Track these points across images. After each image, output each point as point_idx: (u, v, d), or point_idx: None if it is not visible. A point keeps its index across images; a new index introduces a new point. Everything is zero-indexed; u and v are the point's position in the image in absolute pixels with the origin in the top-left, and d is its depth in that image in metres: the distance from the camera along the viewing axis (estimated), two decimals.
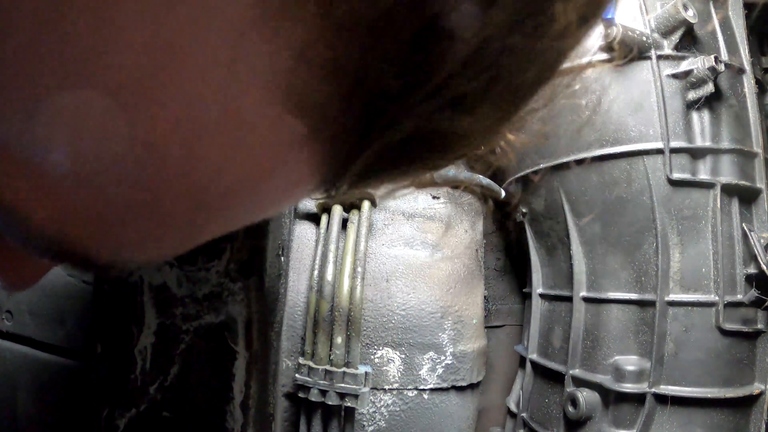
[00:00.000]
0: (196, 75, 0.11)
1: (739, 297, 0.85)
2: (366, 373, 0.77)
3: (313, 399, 0.77)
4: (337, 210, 0.87)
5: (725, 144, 0.88)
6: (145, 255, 0.17)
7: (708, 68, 0.82)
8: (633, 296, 0.90)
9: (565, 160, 0.96)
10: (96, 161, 0.13)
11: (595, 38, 0.90)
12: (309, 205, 0.91)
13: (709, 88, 0.84)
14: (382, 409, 0.85)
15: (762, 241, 0.84)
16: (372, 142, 0.14)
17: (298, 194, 0.18)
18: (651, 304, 0.87)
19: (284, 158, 0.15)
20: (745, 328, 0.84)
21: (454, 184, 1.02)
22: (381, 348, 0.85)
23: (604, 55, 0.89)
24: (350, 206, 0.88)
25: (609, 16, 0.87)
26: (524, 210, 1.13)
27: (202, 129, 0.13)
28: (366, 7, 0.11)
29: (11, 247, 0.17)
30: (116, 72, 0.11)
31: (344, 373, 0.76)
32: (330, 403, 0.76)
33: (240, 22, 0.11)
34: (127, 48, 0.11)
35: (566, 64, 0.16)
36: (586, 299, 0.97)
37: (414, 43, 0.12)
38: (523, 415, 1.08)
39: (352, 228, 0.85)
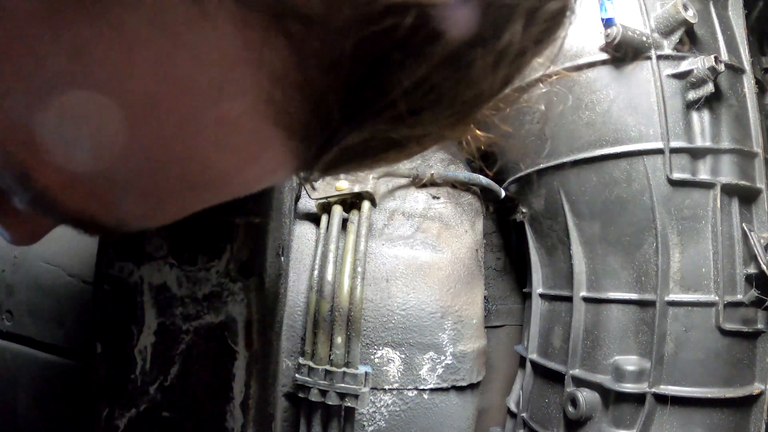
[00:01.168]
0: (195, 93, 0.15)
1: (739, 297, 0.85)
2: (366, 373, 0.77)
3: (313, 399, 0.77)
4: (337, 210, 0.87)
5: (725, 144, 0.88)
6: (144, 222, 0.21)
7: (708, 68, 0.82)
8: (633, 296, 0.90)
9: (565, 160, 0.96)
10: (113, 155, 0.16)
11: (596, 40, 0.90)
12: (309, 205, 0.91)
13: (709, 88, 0.84)
14: (382, 409, 0.85)
15: (762, 241, 0.84)
16: (334, 145, 0.18)
17: (275, 178, 0.22)
18: (651, 304, 0.87)
19: (262, 154, 0.18)
20: (745, 328, 0.84)
21: (454, 184, 1.02)
22: (381, 348, 0.85)
23: (605, 55, 0.89)
24: (350, 206, 0.88)
25: (609, 17, 0.87)
26: (524, 210, 1.13)
27: (197, 132, 0.16)
28: (330, 44, 0.14)
29: (20, 209, 0.20)
30: (135, 89, 0.14)
31: (344, 373, 0.76)
32: (330, 403, 0.76)
33: (229, 57, 0.14)
34: (143, 72, 0.14)
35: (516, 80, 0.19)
36: (586, 299, 0.97)
37: (366, 73, 0.15)
38: (523, 415, 1.08)
39: (352, 228, 0.85)
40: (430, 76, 0.15)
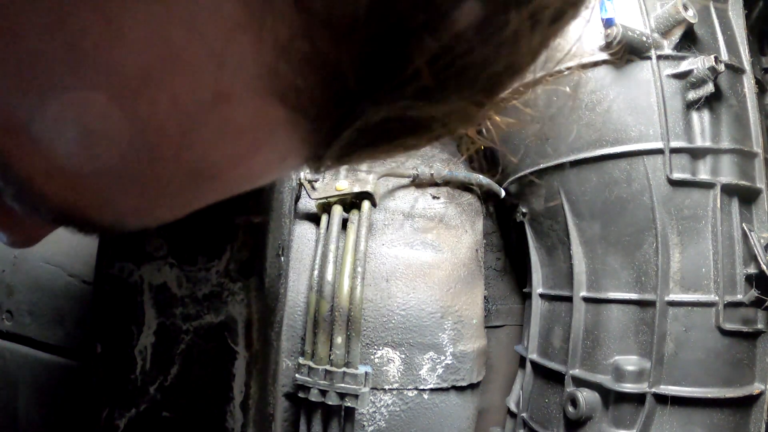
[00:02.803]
0: (190, 67, 0.13)
1: (739, 297, 0.85)
2: (366, 373, 0.77)
3: (313, 399, 0.77)
4: (337, 210, 0.87)
5: (725, 144, 0.88)
6: (142, 219, 0.19)
7: (708, 68, 0.82)
8: (633, 296, 0.91)
9: (565, 160, 0.96)
10: (101, 140, 0.14)
11: (593, 38, 0.90)
12: (309, 205, 0.91)
13: (709, 88, 0.84)
14: (382, 409, 0.85)
15: (762, 241, 0.84)
16: (349, 125, 0.16)
17: (283, 168, 0.19)
18: (651, 304, 0.87)
19: (269, 138, 0.16)
20: (745, 328, 0.84)
21: (454, 184, 1.02)
22: (381, 348, 0.85)
23: (604, 55, 0.89)
24: (350, 206, 0.88)
25: (609, 17, 0.87)
26: (524, 210, 1.13)
27: (195, 112, 0.14)
28: (341, 5, 0.12)
29: (15, 210, 0.19)
30: (123, 64, 0.13)
31: (344, 373, 0.76)
32: (330, 403, 0.76)
33: (228, 23, 0.12)
34: (132, 44, 0.12)
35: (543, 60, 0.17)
36: (586, 299, 0.97)
37: (384, 40, 0.13)
38: (523, 415, 1.08)
39: (352, 228, 0.85)
40: (457, 41, 0.13)
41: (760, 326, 0.86)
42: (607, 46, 0.88)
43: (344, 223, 0.87)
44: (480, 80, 0.15)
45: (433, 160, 1.04)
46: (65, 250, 0.75)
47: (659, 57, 0.88)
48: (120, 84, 0.13)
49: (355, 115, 0.15)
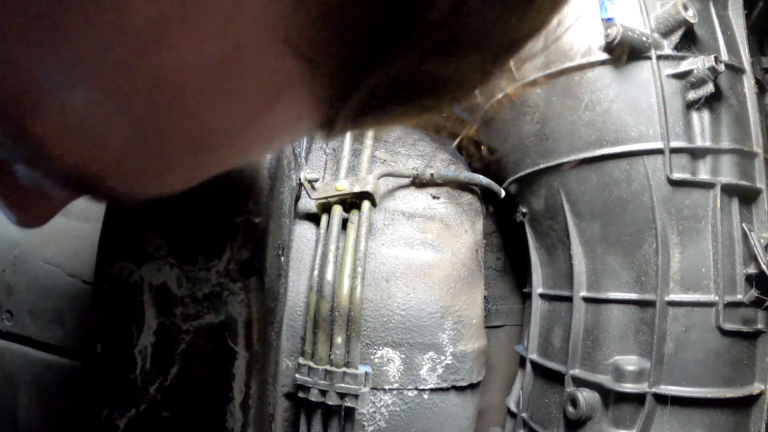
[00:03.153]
0: (206, 17, 0.13)
1: (739, 297, 0.85)
2: (366, 373, 0.77)
3: (313, 399, 0.77)
4: (337, 210, 0.87)
5: (725, 144, 0.88)
6: (155, 186, 0.19)
7: (708, 68, 0.82)
8: (633, 296, 0.91)
9: (565, 159, 0.96)
10: (114, 98, 0.14)
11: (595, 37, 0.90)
12: (309, 205, 0.91)
13: (709, 88, 0.84)
14: (382, 409, 0.85)
15: (762, 241, 0.84)
16: (364, 80, 0.15)
17: (298, 130, 0.19)
18: (651, 304, 0.87)
19: (284, 95, 0.16)
20: (745, 328, 0.84)
21: (454, 184, 1.02)
22: (381, 348, 0.85)
23: (605, 55, 0.89)
24: (350, 206, 0.88)
25: (609, 17, 0.87)
26: (524, 210, 1.13)
27: (208, 67, 0.14)
28: None
29: (26, 186, 0.18)
30: (139, 15, 0.12)
31: (344, 373, 0.76)
32: (330, 403, 0.76)
33: None
34: None
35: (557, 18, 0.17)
36: (586, 299, 0.97)
37: None
38: (523, 415, 1.08)
39: (352, 228, 0.85)
40: None
41: (760, 326, 0.86)
42: (607, 46, 0.88)
43: (344, 223, 0.87)
44: (496, 35, 0.15)
45: (433, 160, 1.04)
46: (65, 250, 0.75)
47: (659, 57, 0.88)
48: (135, 36, 0.13)
49: (371, 69, 0.15)
